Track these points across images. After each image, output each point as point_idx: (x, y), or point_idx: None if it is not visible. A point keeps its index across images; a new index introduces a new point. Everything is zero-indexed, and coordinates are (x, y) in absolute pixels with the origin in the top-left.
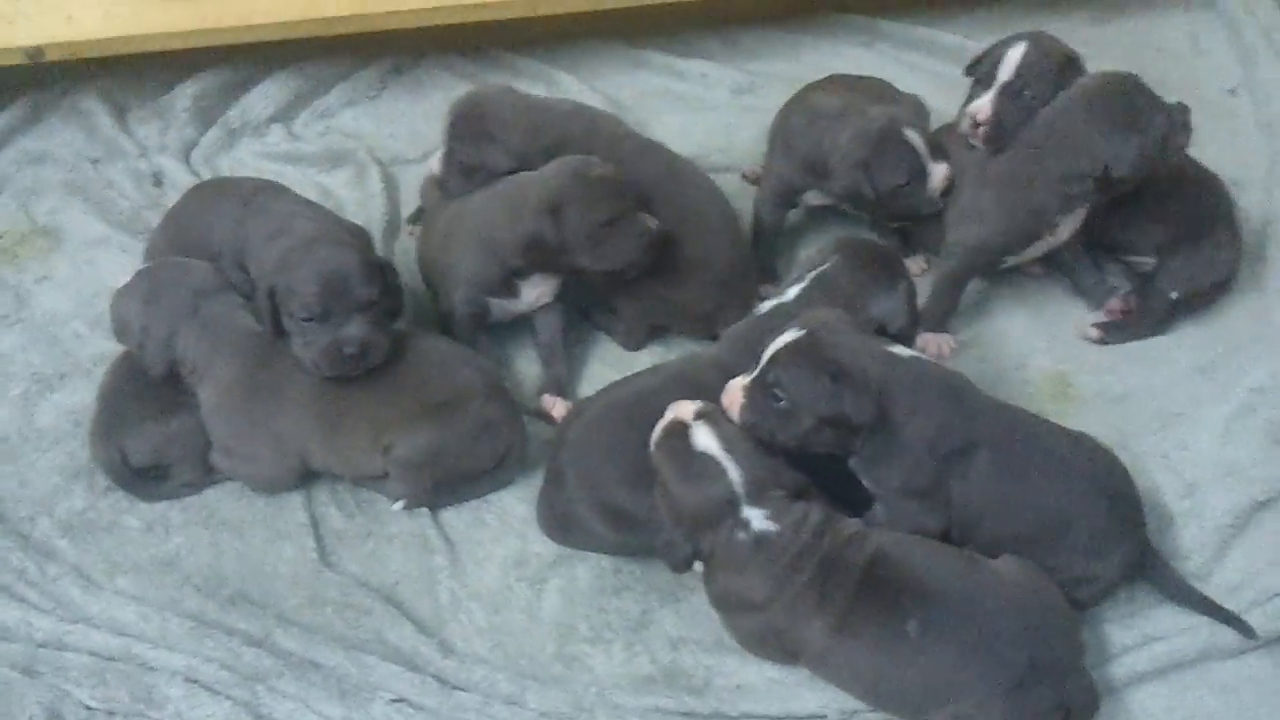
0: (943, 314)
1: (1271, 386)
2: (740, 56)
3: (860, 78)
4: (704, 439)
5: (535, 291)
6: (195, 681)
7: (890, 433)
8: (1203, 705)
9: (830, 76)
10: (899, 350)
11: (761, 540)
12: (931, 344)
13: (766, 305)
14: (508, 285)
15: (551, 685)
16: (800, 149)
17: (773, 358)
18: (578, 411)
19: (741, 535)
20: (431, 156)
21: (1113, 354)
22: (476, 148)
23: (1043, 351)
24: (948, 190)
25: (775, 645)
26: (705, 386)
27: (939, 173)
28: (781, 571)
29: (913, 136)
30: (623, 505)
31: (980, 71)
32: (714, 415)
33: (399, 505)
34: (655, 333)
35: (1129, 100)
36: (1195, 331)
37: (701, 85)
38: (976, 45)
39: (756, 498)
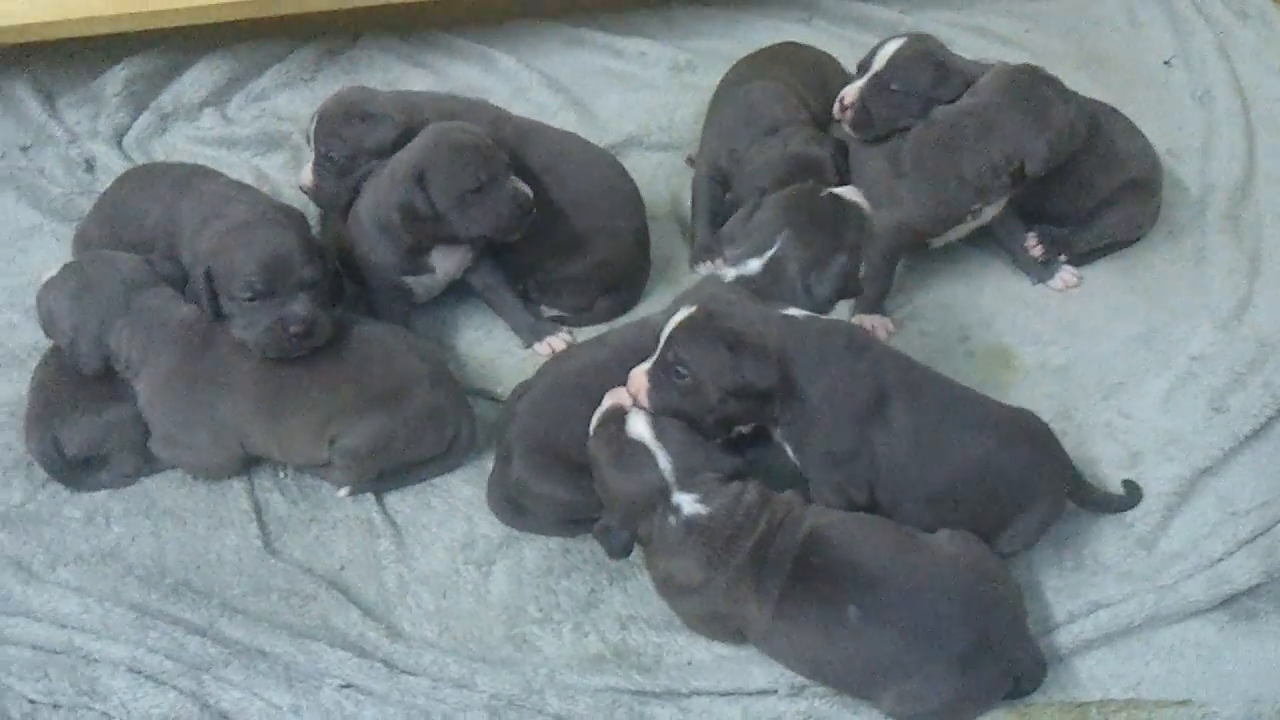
0: (877, 296)
1: (1211, 355)
2: (679, 34)
3: (810, 57)
4: (637, 426)
5: (449, 261)
6: (139, 672)
7: (801, 397)
8: (1148, 670)
9: (784, 48)
10: (794, 312)
11: (693, 524)
12: (868, 325)
13: (730, 273)
14: (415, 262)
15: (501, 667)
16: (730, 142)
17: (670, 337)
18: (525, 388)
19: (673, 520)
20: (303, 169)
21: (1055, 325)
22: (351, 139)
23: (985, 324)
24: None
25: (720, 626)
26: (652, 353)
27: None
28: (715, 554)
29: None
30: (573, 458)
31: (863, 63)
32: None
33: (344, 491)
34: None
35: (1038, 94)
36: (1135, 302)
37: (640, 64)
38: (913, 21)
39: (687, 483)
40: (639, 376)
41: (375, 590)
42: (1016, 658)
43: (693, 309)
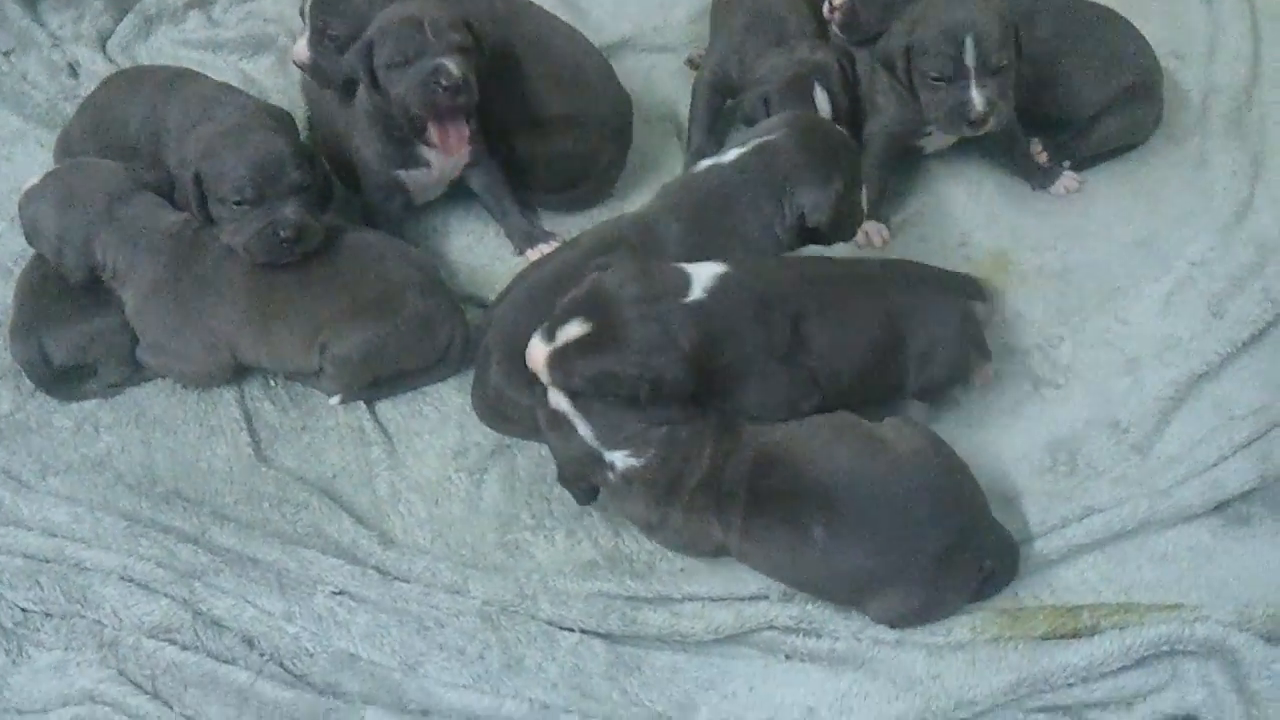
0: (870, 203)
1: (1210, 259)
2: None
3: None
4: (555, 397)
5: (444, 159)
6: (131, 580)
7: (726, 367)
8: (1140, 575)
9: None
10: (695, 282)
11: (630, 476)
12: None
13: (704, 164)
14: (407, 153)
15: (494, 574)
16: (740, 52)
17: (568, 361)
18: (502, 295)
19: (611, 475)
20: (297, 43)
21: (1054, 230)
22: (351, 15)
23: (983, 229)
24: None
25: (696, 550)
26: (628, 248)
27: None
28: (662, 497)
29: (819, 96)
30: None
31: None
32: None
33: (335, 400)
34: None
35: None
36: (1135, 206)
37: None
38: None
39: (613, 442)
40: (539, 359)
41: (367, 498)
42: (987, 544)
43: (586, 327)
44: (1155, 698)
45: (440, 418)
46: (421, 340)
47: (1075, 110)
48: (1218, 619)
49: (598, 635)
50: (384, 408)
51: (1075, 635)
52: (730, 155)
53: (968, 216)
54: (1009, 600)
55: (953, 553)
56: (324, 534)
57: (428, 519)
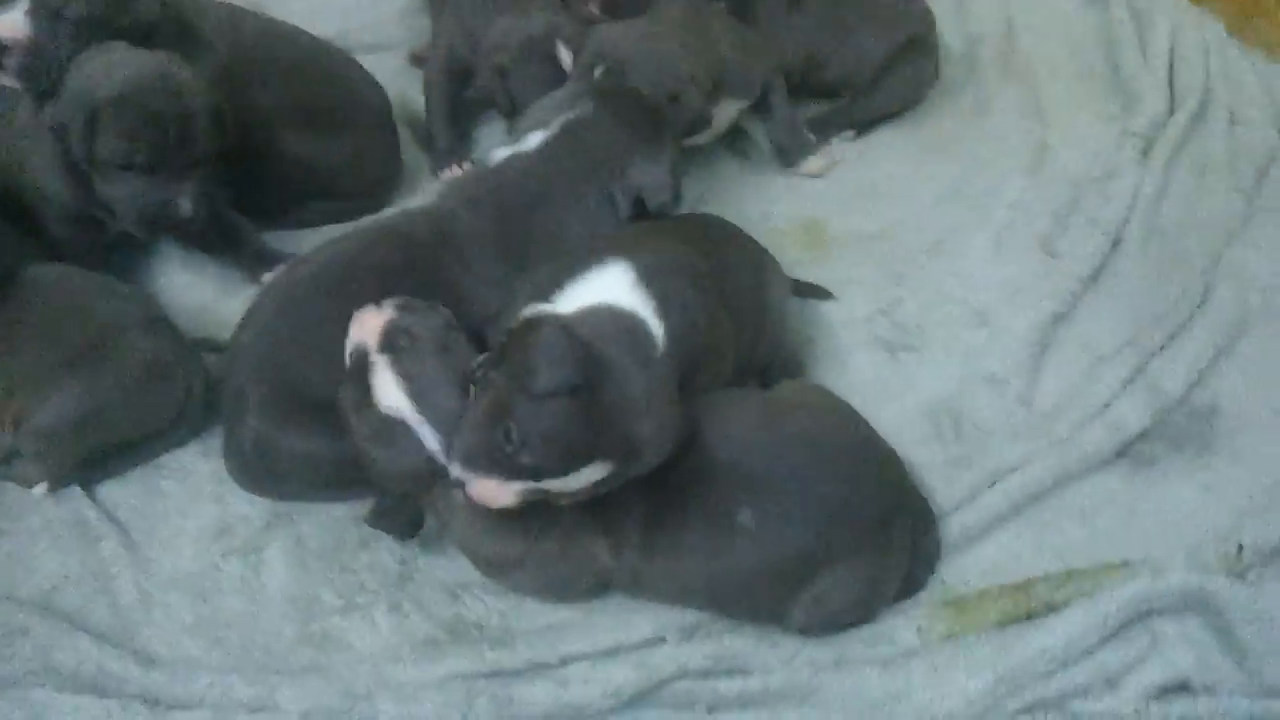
0: None
1: (1027, 200)
2: None
3: None
4: (389, 395)
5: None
6: None
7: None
8: (1068, 537)
9: None
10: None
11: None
12: None
13: (500, 153)
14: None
15: (307, 677)
16: (468, 23)
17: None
18: (246, 321)
19: (462, 494)
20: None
21: (856, 193)
22: None
23: (782, 201)
24: None
25: (570, 588)
26: (417, 241)
27: None
28: (531, 519)
29: (564, 56)
30: (323, 397)
31: None
32: (402, 341)
33: (40, 489)
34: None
35: None
36: (931, 160)
37: None
38: None
39: None
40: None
41: (107, 609)
42: (914, 509)
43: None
44: (1140, 670)
45: (188, 493)
46: (150, 394)
47: (856, 71)
48: (1173, 569)
49: None
50: (109, 492)
51: (1032, 615)
52: (532, 141)
53: (762, 191)
54: (939, 590)
55: (890, 518)
56: (56, 666)
57: (196, 622)
